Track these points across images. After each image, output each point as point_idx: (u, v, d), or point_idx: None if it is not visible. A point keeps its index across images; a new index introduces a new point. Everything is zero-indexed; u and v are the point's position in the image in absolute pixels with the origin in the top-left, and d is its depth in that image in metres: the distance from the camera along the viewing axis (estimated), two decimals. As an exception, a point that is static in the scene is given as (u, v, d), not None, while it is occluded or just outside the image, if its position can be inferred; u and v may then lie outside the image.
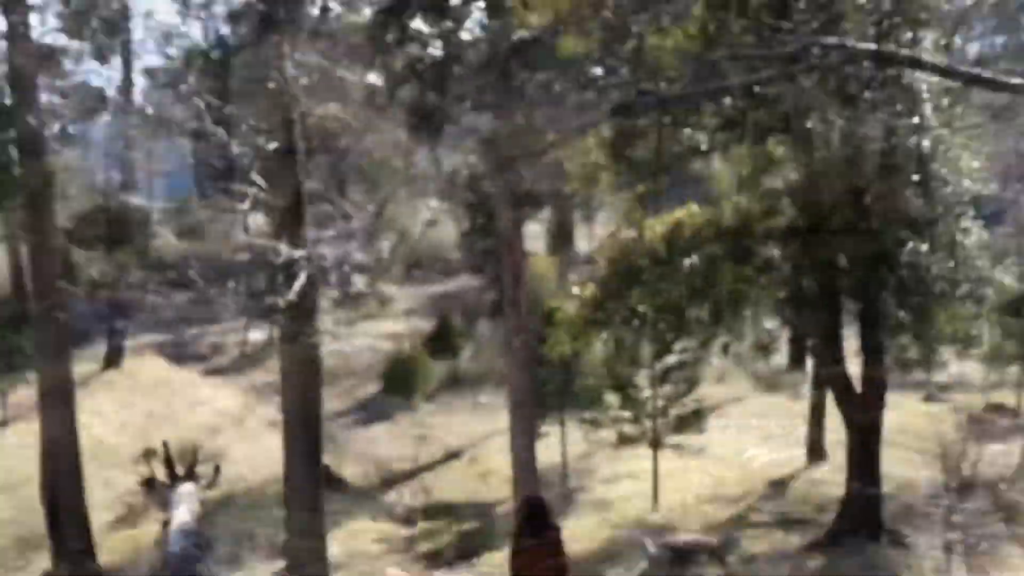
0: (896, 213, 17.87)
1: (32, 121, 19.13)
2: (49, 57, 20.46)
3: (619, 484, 24.53)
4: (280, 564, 19.64)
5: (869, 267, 18.50)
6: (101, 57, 23.37)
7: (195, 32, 23.20)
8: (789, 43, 11.50)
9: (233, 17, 19.97)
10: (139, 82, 33.45)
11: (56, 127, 19.81)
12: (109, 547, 21.38)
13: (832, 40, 11.73)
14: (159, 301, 28.78)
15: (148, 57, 30.89)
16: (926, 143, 17.13)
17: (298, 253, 16.50)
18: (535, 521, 8.68)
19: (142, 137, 28.72)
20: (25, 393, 26.04)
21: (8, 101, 19.72)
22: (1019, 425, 28.09)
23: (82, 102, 21.69)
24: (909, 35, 16.01)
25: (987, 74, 11.28)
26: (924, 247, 17.94)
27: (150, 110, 29.12)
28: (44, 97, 20.10)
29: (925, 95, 16.51)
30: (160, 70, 24.34)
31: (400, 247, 26.05)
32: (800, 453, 26.33)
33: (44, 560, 20.82)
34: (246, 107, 17.79)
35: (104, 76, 29.05)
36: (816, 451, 25.70)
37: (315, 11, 18.82)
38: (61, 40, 21.58)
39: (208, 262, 22.25)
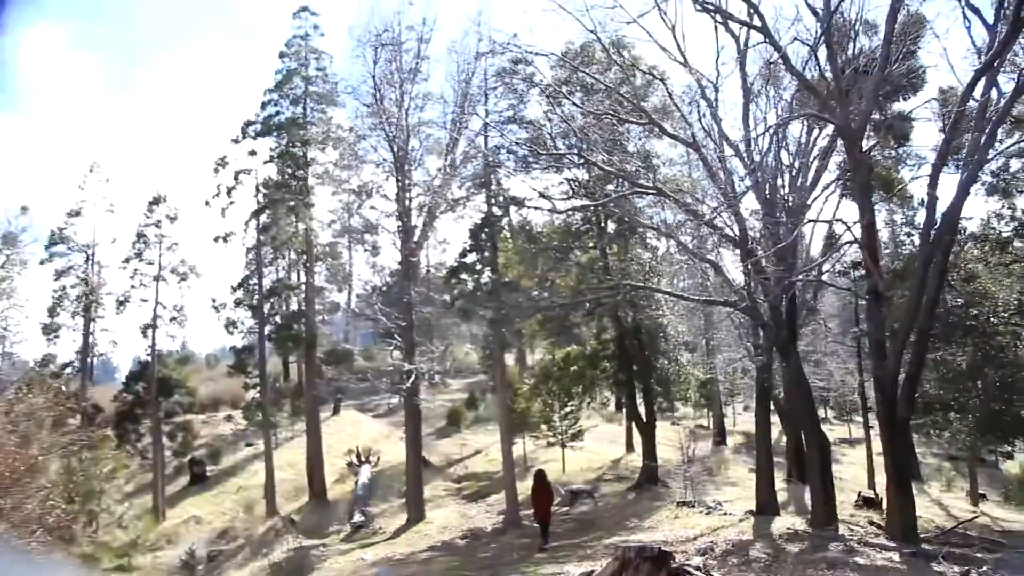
0: (652, 350, 38.50)
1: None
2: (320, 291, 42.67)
3: (548, 464, 36.63)
4: (402, 500, 37.14)
5: (644, 370, 36.97)
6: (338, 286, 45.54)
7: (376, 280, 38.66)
8: (611, 285, 32.26)
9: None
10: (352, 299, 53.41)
11: (317, 317, 41.79)
12: (332, 493, 41.10)
13: (630, 282, 31.14)
14: (356, 387, 50.12)
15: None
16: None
17: (410, 365, 32.89)
18: (541, 478, 28.91)
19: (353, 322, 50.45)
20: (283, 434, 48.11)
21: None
22: (710, 434, 48.09)
23: (327, 307, 43.97)
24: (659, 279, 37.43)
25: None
26: (666, 361, 38.86)
27: (355, 311, 48.79)
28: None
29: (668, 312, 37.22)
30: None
31: (452, 363, 44.23)
32: (622, 449, 44.13)
33: (306, 496, 40.88)
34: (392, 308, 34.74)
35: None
36: (629, 447, 43.14)
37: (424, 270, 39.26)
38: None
39: (376, 371, 42.97)
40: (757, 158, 23.58)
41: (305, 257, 41.75)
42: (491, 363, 40.31)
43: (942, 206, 21.34)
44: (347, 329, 51.04)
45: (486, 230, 33.84)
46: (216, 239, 41.34)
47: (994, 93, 22.19)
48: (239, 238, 41.98)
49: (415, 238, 34.07)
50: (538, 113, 32.36)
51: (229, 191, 42.20)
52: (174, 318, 44.57)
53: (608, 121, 24.81)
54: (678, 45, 22.45)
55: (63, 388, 39.69)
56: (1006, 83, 22.55)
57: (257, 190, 42.49)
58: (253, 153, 42.99)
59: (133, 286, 44.55)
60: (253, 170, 42.96)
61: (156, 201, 45.27)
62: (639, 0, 22.29)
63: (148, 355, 45.33)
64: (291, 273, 45.83)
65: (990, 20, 21.71)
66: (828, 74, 22.16)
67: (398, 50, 33.12)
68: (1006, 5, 21.20)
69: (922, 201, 28.55)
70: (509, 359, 47.42)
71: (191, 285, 44.96)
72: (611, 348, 38.39)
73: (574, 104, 27.94)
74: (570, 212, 34.06)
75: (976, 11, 21.59)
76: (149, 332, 44.15)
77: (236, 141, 43.24)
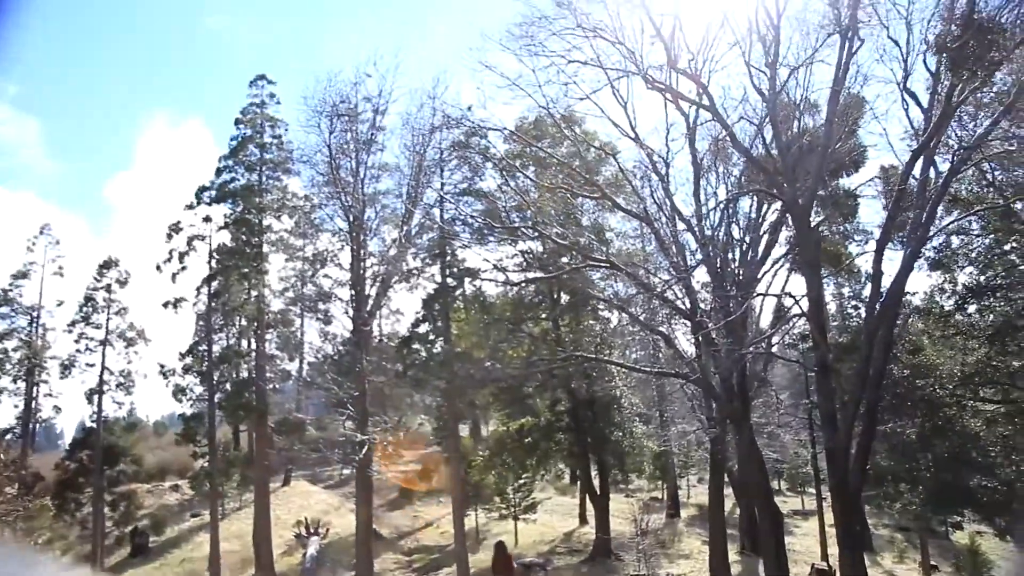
0: (606, 422, 38.54)
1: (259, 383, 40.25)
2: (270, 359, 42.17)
3: (501, 536, 37.98)
4: (351, 574, 35.80)
5: (598, 442, 37.32)
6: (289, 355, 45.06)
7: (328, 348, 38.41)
8: (564, 356, 32.27)
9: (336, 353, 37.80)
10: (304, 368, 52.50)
11: (268, 386, 41.07)
12: (280, 566, 39.75)
13: (583, 353, 31.51)
14: (307, 457, 48.99)
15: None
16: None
17: (362, 436, 33.01)
18: (501, 550, 28.88)
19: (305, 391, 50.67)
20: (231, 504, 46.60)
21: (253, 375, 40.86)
22: (664, 506, 47.90)
23: (278, 375, 43.21)
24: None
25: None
26: (620, 433, 38.77)
27: (307, 379, 48.63)
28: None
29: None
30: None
31: (406, 434, 42.67)
32: (576, 522, 44.15)
33: (252, 568, 39.28)
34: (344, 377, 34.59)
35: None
36: (582, 520, 43.16)
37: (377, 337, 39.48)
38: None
39: (328, 441, 42.42)
40: (708, 232, 23.93)
41: (256, 324, 41.15)
42: (444, 435, 39.62)
43: (887, 280, 21.80)
44: (299, 398, 50.10)
45: (440, 300, 33.89)
46: (166, 304, 40.68)
47: (932, 172, 22.82)
48: (190, 304, 41.37)
49: (368, 307, 33.80)
50: (493, 185, 32.69)
51: (182, 256, 41.67)
52: (121, 384, 43.57)
53: (562, 195, 25.07)
54: (630, 121, 22.91)
55: (1, 456, 38.52)
56: (943, 163, 23.26)
57: (210, 256, 42.03)
58: (208, 219, 42.65)
59: (79, 350, 43.66)
60: (207, 236, 42.49)
61: (107, 265, 44.76)
62: (592, 77, 22.48)
63: (93, 422, 44.06)
64: (242, 340, 45.08)
65: (925, 103, 22.46)
66: (775, 151, 22.65)
67: (354, 120, 33.31)
68: (939, 90, 21.99)
69: (868, 275, 29.14)
70: (463, 430, 46.97)
71: (139, 350, 44.21)
72: (565, 420, 38.27)
73: (528, 178, 28.26)
74: (524, 284, 34.19)
75: (912, 95, 22.41)
76: (95, 398, 42.94)
77: (190, 207, 42.91)
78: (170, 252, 41.70)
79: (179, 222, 42.63)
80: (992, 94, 24.15)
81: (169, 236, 42.45)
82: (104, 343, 43.43)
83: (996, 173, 27.30)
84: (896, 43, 21.99)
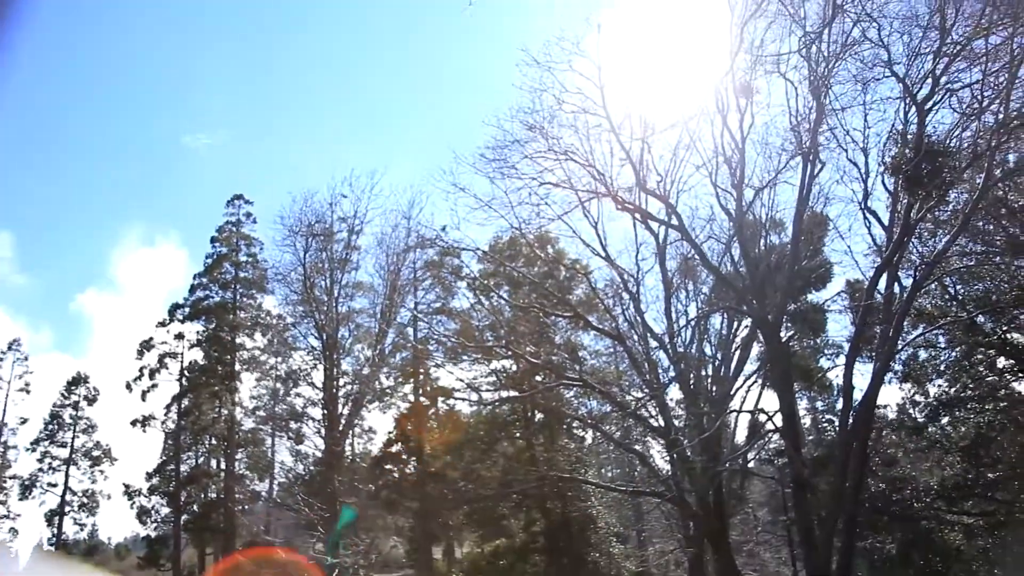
0: (582, 542, 37.57)
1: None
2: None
3: None
4: None
5: (575, 563, 35.24)
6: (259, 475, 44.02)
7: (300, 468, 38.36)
8: (538, 475, 31.62)
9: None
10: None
11: (237, 507, 39.88)
12: None
13: (557, 473, 31.73)
14: None
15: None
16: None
17: (333, 559, 32.18)
18: None
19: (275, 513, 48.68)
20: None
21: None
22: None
23: (247, 496, 42.05)
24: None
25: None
26: (597, 554, 37.76)
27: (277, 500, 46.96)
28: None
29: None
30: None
31: (378, 556, 41.70)
32: None
33: None
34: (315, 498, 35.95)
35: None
36: None
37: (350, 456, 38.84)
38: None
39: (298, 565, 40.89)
40: (680, 349, 23.99)
41: (226, 444, 40.37)
42: (418, 557, 38.82)
43: (859, 394, 21.83)
44: (268, 519, 48.57)
45: (413, 420, 33.36)
46: (135, 423, 39.99)
47: (897, 287, 23.25)
48: (159, 422, 40.57)
49: (341, 426, 33.31)
50: (466, 305, 32.83)
51: (152, 374, 41.29)
52: (84, 505, 42.09)
53: (535, 314, 25.17)
54: (601, 241, 23.28)
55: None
56: (906, 278, 23.72)
57: (181, 374, 41.65)
58: (180, 336, 42.48)
59: (42, 469, 42.43)
60: (179, 354, 42.19)
61: (76, 381, 44.10)
62: (563, 197, 22.92)
63: (52, 544, 42.32)
64: (211, 460, 44.02)
65: (886, 221, 23.07)
66: (743, 269, 22.98)
67: (329, 240, 33.65)
68: (898, 209, 22.62)
69: (840, 389, 29.22)
70: (436, 552, 45.64)
71: (105, 470, 42.86)
72: (541, 541, 37.10)
73: (501, 297, 28.43)
74: (497, 403, 33.90)
75: (873, 213, 23.14)
76: (55, 519, 41.40)
77: (163, 324, 42.82)
78: (140, 369, 41.38)
79: (151, 339, 42.40)
80: (948, 212, 24.87)
81: (140, 353, 42.19)
82: (68, 462, 42.28)
83: (958, 287, 27.78)
84: (855, 164, 22.84)
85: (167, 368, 42.20)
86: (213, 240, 42.89)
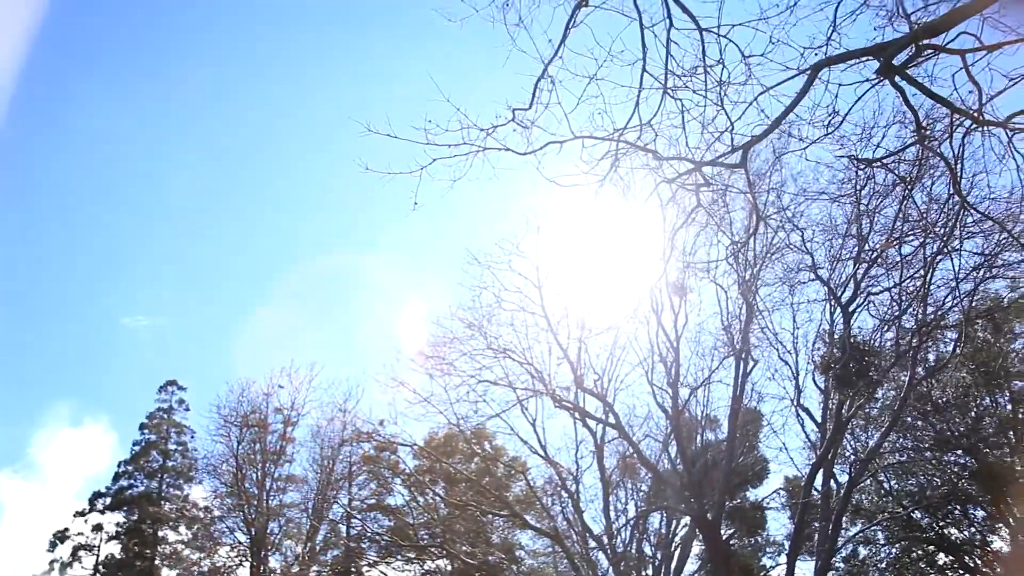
0: None
1: None
2: None
3: None
4: None
5: None
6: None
7: None
8: None
9: None
10: None
11: None
12: None
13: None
14: None
15: None
16: None
17: None
18: None
19: None
20: None
21: None
22: None
23: None
24: None
25: None
26: None
27: None
28: None
29: None
30: None
31: None
32: None
33: None
34: None
35: None
36: None
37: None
38: None
39: None
40: (620, 549, 23.52)
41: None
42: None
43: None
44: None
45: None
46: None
47: (833, 483, 23.40)
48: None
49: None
50: (401, 501, 31.98)
51: (64, 567, 38.72)
52: None
53: (471, 512, 24.62)
54: (539, 439, 23.20)
55: None
56: (842, 474, 23.96)
57: (96, 569, 39.16)
58: (98, 528, 40.32)
59: None
60: (96, 546, 39.91)
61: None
62: (501, 395, 22.95)
63: None
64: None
65: (818, 418, 23.53)
66: (680, 467, 22.97)
67: (264, 431, 32.84)
68: (829, 406, 23.14)
69: (783, 589, 28.71)
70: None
71: None
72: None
73: (437, 494, 27.85)
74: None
75: (806, 410, 23.69)
76: None
77: (82, 513, 40.77)
78: (51, 563, 38.88)
79: (66, 529, 40.32)
80: (878, 408, 25.52)
81: (53, 545, 39.90)
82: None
83: (892, 483, 28.06)
84: (787, 363, 23.52)
85: (80, 562, 39.77)
86: (142, 427, 41.61)
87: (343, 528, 33.17)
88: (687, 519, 24.72)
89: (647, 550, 25.24)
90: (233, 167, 69.35)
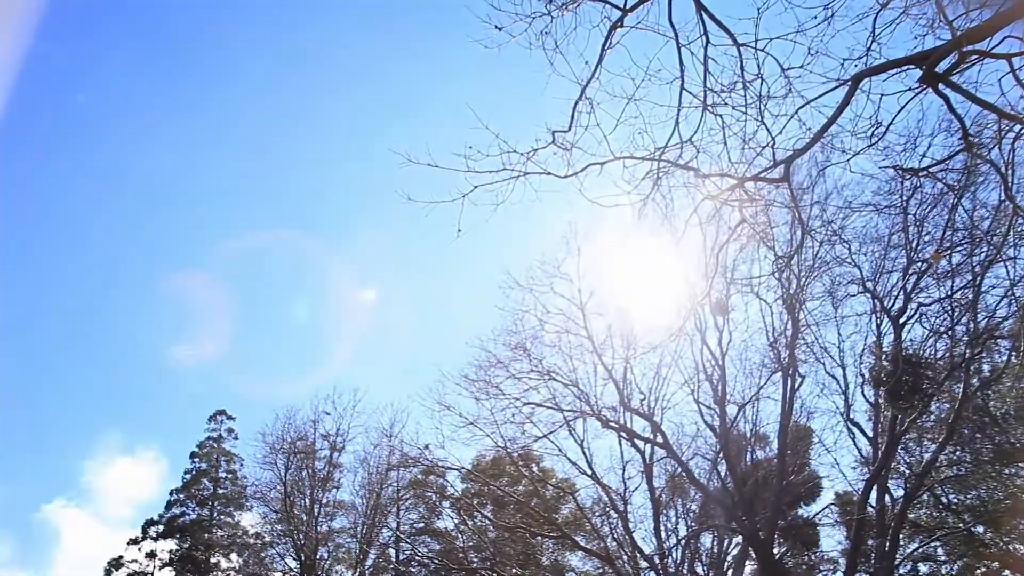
0: None
1: None
2: None
3: None
4: None
5: None
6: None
7: None
8: None
9: None
10: None
11: None
12: None
13: None
14: None
15: None
16: None
17: None
18: None
19: None
20: None
21: None
22: None
23: None
24: None
25: None
26: None
27: None
28: None
29: None
30: None
31: None
32: None
33: None
34: None
35: None
36: None
37: None
38: None
39: None
40: (672, 569, 23.23)
41: None
42: None
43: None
44: None
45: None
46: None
47: (888, 499, 22.90)
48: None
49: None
50: (450, 525, 32.00)
51: (120, 595, 39.24)
52: None
53: (521, 534, 24.49)
54: (587, 459, 23.08)
55: None
56: (897, 489, 23.43)
57: (150, 596, 39.65)
58: (152, 555, 40.83)
59: None
60: (150, 574, 40.44)
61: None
62: (548, 416, 22.87)
63: None
64: None
65: (870, 432, 23.07)
66: (731, 485, 22.66)
67: (311, 457, 33.06)
68: (881, 420, 22.68)
69: (841, 608, 28.03)
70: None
71: None
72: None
73: (486, 517, 27.79)
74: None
75: (857, 425, 23.22)
76: None
77: (135, 541, 41.32)
78: (107, 589, 39.41)
79: (120, 557, 40.93)
80: (932, 420, 24.90)
81: (108, 572, 40.44)
82: None
83: (951, 497, 27.32)
84: (834, 377, 23.11)
85: (136, 588, 40.32)
86: (193, 455, 42.19)
87: (392, 552, 33.20)
88: (739, 538, 24.36)
89: (699, 570, 24.86)
90: (278, 200, 70.12)
